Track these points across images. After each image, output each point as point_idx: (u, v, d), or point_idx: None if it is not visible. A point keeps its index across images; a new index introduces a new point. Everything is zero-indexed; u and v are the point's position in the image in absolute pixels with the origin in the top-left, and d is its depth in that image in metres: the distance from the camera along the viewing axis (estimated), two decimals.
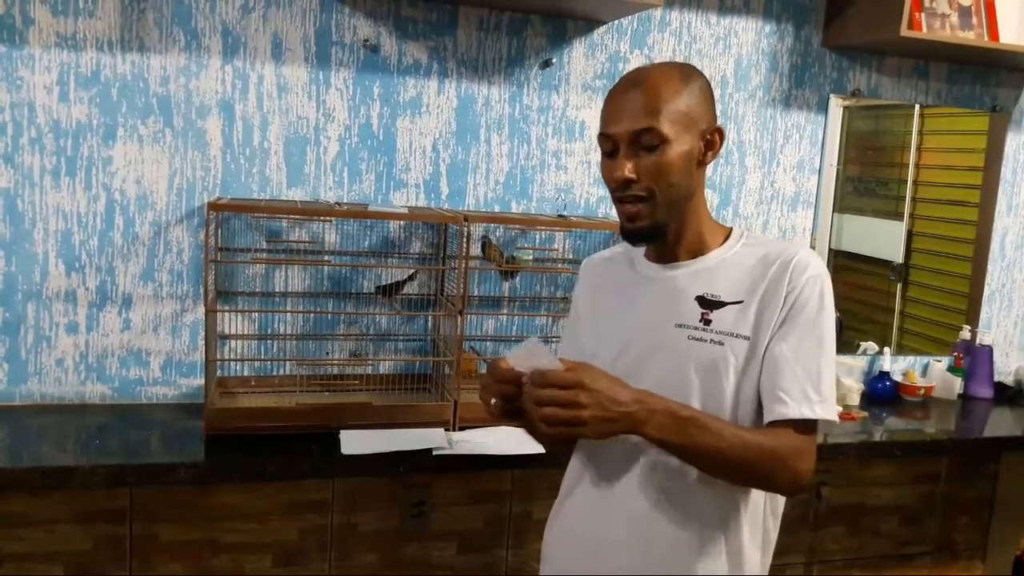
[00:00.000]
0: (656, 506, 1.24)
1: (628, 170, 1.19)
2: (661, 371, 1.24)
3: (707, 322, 1.22)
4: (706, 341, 1.21)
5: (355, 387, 2.08)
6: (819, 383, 1.17)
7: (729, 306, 1.22)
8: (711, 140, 1.23)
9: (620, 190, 1.21)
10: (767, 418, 1.19)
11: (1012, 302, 2.79)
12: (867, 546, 2.18)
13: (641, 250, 1.33)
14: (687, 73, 1.22)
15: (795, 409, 1.16)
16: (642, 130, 1.18)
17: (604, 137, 1.22)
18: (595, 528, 1.30)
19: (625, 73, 1.27)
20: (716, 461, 1.16)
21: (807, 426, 1.17)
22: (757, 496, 1.25)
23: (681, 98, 1.19)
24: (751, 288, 1.21)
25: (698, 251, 1.27)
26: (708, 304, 1.23)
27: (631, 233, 1.24)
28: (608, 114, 1.22)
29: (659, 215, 1.21)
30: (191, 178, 2.01)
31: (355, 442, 1.77)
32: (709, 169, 2.33)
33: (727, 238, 1.28)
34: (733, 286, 1.23)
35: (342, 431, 1.82)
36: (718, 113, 2.31)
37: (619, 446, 1.24)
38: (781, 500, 1.29)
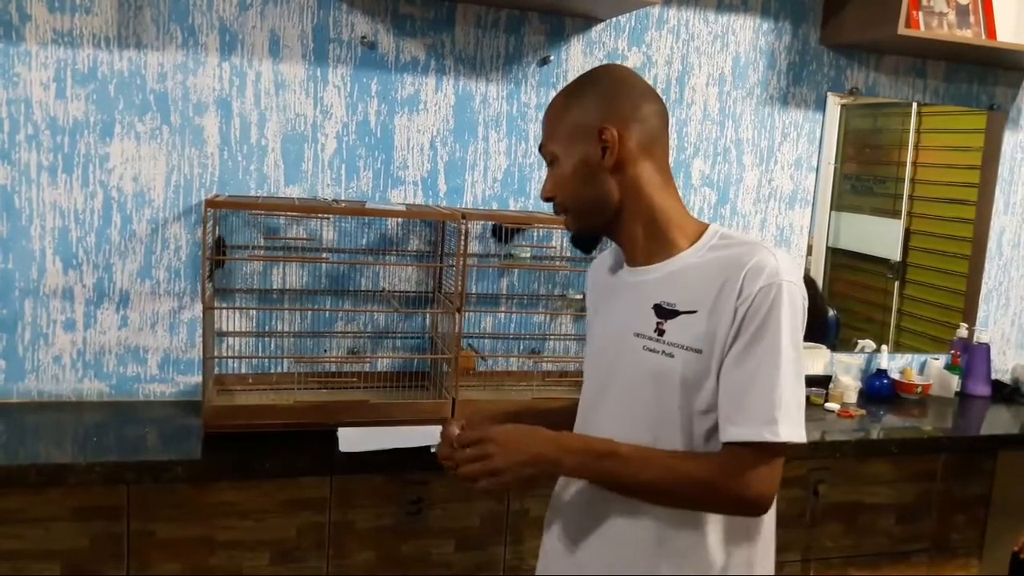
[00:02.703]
0: (617, 505, 1.22)
1: (546, 188, 1.27)
2: (622, 382, 1.23)
3: (661, 332, 1.17)
4: (658, 352, 1.17)
5: (353, 384, 2.08)
6: (775, 402, 1.09)
7: (682, 316, 1.16)
8: (604, 140, 1.19)
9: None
10: (721, 438, 1.13)
11: (1009, 300, 2.80)
12: (864, 544, 2.18)
13: (611, 255, 1.35)
14: (580, 82, 1.26)
15: (746, 431, 1.09)
16: (541, 149, 1.28)
17: None
18: (571, 526, 1.30)
19: None
20: (641, 494, 1.15)
21: (763, 448, 1.10)
22: None
23: (568, 112, 1.23)
24: (705, 297, 1.14)
25: (665, 253, 1.21)
26: (663, 313, 1.18)
27: (572, 242, 1.32)
28: None
29: (581, 224, 1.26)
30: (188, 175, 2.01)
31: (353, 440, 1.76)
32: (706, 167, 2.38)
33: (700, 238, 1.21)
34: (690, 294, 1.16)
35: (339, 429, 1.82)
36: (716, 110, 2.36)
37: None
38: None
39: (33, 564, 1.60)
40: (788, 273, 1.12)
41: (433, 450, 1.61)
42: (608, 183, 1.21)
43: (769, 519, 1.24)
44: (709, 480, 1.11)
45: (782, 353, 1.10)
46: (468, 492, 1.83)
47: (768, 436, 1.09)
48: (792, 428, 1.09)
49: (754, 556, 1.23)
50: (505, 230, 2.20)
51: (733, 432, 1.11)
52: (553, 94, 2.21)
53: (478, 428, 1.20)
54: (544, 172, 2.22)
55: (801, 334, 1.13)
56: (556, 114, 1.25)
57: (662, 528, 1.20)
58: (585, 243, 1.30)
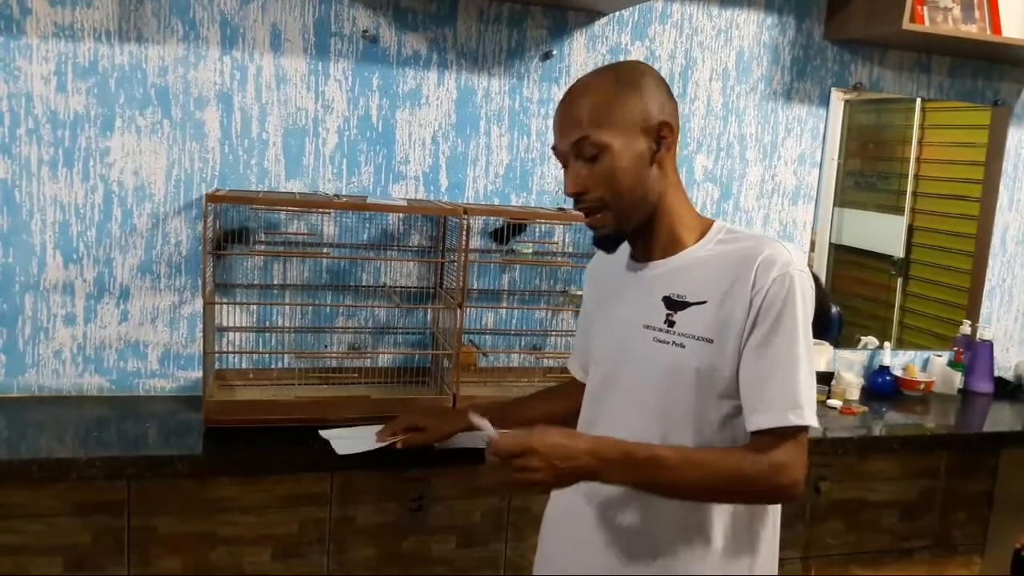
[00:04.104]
0: (624, 503, 1.23)
1: (573, 184, 1.20)
2: (630, 375, 1.23)
3: (671, 323, 1.19)
4: (669, 343, 1.18)
5: (353, 380, 2.07)
6: (796, 388, 1.12)
7: (693, 307, 1.18)
8: (662, 136, 1.19)
9: (576, 203, 1.22)
10: (748, 428, 1.15)
11: (1012, 297, 2.79)
12: (866, 541, 2.18)
13: (624, 252, 1.32)
14: (623, 73, 1.21)
15: (773, 418, 1.11)
16: (577, 141, 1.18)
17: (554, 151, 1.24)
18: (574, 524, 1.30)
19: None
20: (685, 493, 1.14)
21: (789, 434, 1.12)
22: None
23: (617, 102, 1.18)
24: (716, 288, 1.16)
25: (673, 249, 1.23)
26: (673, 305, 1.19)
27: (596, 242, 1.26)
28: (554, 128, 1.23)
29: (620, 220, 1.21)
30: (189, 169, 2.00)
31: (347, 442, 1.72)
32: (709, 162, 2.37)
33: (705, 233, 1.23)
34: (700, 286, 1.18)
35: (324, 431, 1.76)
36: (719, 105, 2.35)
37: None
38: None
39: (35, 559, 1.60)
40: (799, 263, 1.16)
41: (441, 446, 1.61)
42: (652, 179, 1.20)
43: (773, 522, 1.26)
44: (747, 472, 1.12)
45: (799, 341, 1.13)
46: (469, 489, 1.83)
47: (794, 419, 1.11)
48: (813, 413, 1.13)
49: (759, 560, 1.24)
50: (506, 229, 2.19)
51: (759, 420, 1.13)
52: (555, 89, 2.23)
53: (515, 436, 1.12)
54: (548, 167, 2.24)
55: (811, 322, 1.16)
56: (605, 99, 1.18)
57: (668, 535, 1.21)
58: (613, 242, 1.25)
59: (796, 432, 1.13)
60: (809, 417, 1.12)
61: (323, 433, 1.77)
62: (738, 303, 1.14)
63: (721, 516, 1.20)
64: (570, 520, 1.31)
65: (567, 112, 1.21)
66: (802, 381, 1.13)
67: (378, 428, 1.73)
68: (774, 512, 1.26)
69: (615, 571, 1.24)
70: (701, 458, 1.13)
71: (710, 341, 1.16)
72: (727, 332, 1.15)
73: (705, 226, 1.24)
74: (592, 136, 1.17)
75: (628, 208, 1.20)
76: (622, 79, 1.20)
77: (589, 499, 1.27)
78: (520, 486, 1.10)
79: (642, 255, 1.27)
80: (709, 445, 1.18)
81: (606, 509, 1.25)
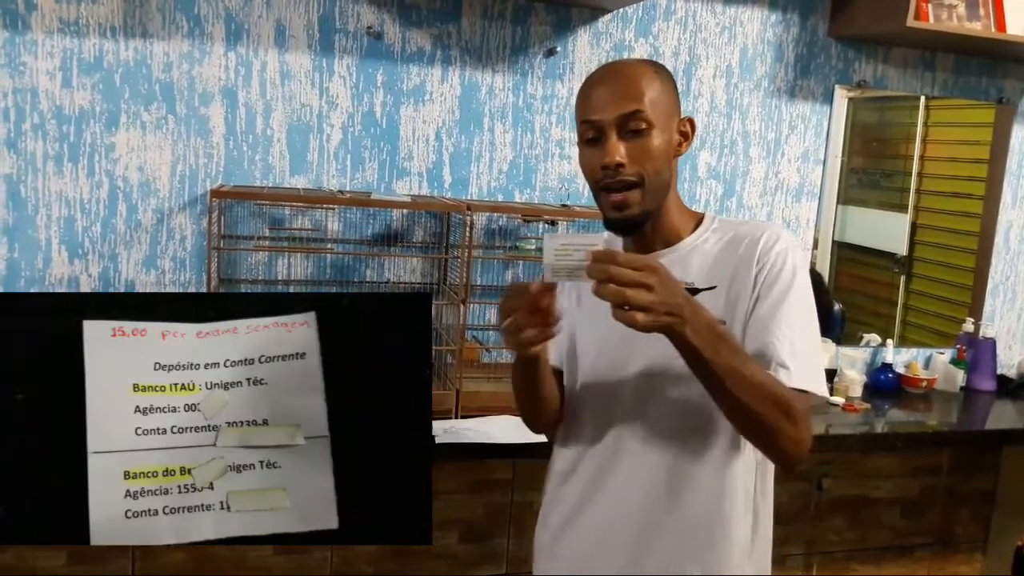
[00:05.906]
0: (649, 490, 1.23)
1: (620, 154, 1.17)
2: (640, 366, 1.24)
3: None
4: None
5: None
6: (804, 351, 1.14)
7: (703, 292, 1.20)
8: (684, 131, 1.25)
9: (610, 176, 1.19)
10: None
11: (1016, 295, 2.78)
12: (868, 538, 2.18)
13: (618, 243, 1.31)
14: (659, 67, 1.25)
15: (786, 377, 1.12)
16: (630, 113, 1.17)
17: (587, 124, 1.21)
18: (594, 515, 1.30)
19: (600, 66, 1.28)
20: (736, 387, 1.07)
21: (806, 398, 1.13)
22: (747, 477, 1.23)
23: (657, 88, 1.20)
24: (723, 273, 1.21)
25: (671, 240, 1.26)
26: None
27: (619, 222, 1.22)
28: (592, 100, 1.21)
29: (647, 202, 1.20)
30: (194, 165, 2.01)
31: None
32: (712, 159, 2.38)
33: (699, 224, 1.28)
34: (706, 272, 1.22)
35: None
36: (723, 102, 2.35)
37: (610, 430, 1.26)
38: (771, 482, 1.27)
39: (37, 552, 1.61)
40: (795, 242, 1.22)
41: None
42: (673, 169, 1.24)
43: (767, 524, 1.27)
44: (789, 405, 1.09)
45: (804, 305, 1.17)
46: (472, 483, 1.84)
47: (817, 389, 1.14)
48: (820, 377, 1.15)
49: (758, 542, 1.26)
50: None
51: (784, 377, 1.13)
52: (559, 86, 2.23)
53: (633, 254, 1.07)
54: (551, 163, 2.24)
55: (812, 291, 1.20)
56: (650, 82, 1.20)
57: (693, 513, 1.22)
58: (635, 225, 1.23)
59: (809, 400, 1.14)
60: (821, 381, 1.15)
61: None
62: (746, 282, 1.18)
63: (737, 496, 1.22)
64: (591, 522, 1.31)
65: (620, 84, 1.20)
66: (811, 344, 1.16)
67: None
68: (769, 513, 1.28)
69: (631, 571, 1.24)
70: (761, 368, 1.11)
71: (723, 323, 1.17)
72: (737, 311, 1.18)
73: (697, 218, 1.29)
74: (646, 111, 1.18)
75: (655, 191, 1.21)
76: (661, 71, 1.23)
77: (615, 503, 1.27)
78: (630, 303, 1.00)
79: (642, 247, 1.27)
80: (726, 426, 1.19)
81: (630, 514, 1.25)
